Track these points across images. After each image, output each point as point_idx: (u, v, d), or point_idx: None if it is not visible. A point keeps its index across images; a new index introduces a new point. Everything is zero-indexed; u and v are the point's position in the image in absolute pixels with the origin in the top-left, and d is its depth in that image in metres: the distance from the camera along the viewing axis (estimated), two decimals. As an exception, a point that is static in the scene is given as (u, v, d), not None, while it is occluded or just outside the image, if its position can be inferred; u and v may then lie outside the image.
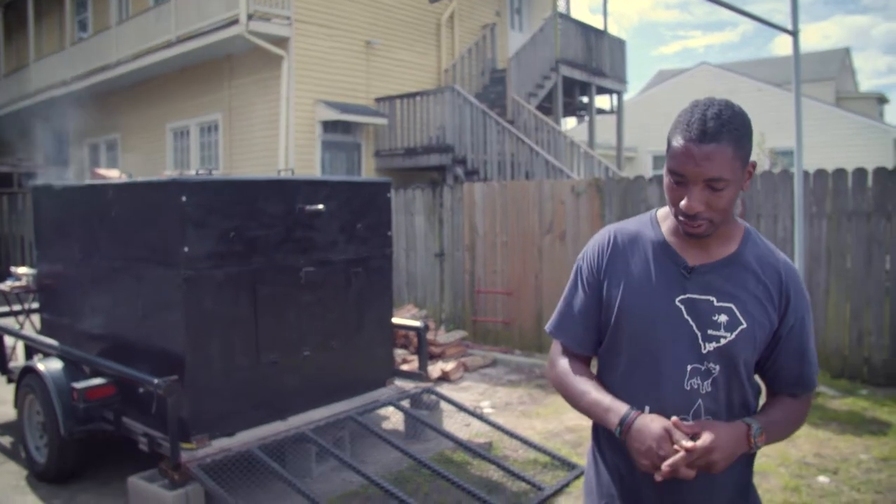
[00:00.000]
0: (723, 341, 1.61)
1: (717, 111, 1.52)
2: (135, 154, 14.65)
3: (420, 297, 9.52)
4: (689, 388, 1.63)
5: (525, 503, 4.22)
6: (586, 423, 1.98)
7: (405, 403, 5.27)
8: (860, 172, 6.45)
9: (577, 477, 4.52)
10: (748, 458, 1.74)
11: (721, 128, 1.49)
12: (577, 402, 1.76)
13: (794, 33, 6.07)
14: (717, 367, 1.63)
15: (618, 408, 1.64)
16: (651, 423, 1.57)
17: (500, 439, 5.23)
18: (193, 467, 3.84)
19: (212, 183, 4.27)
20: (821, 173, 6.59)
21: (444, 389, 6.49)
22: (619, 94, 16.91)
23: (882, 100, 25.84)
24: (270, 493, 4.36)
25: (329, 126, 11.83)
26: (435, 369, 7.15)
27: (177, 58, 12.44)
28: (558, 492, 4.35)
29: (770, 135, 15.18)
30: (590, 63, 15.59)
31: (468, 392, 6.77)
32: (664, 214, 1.74)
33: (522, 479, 4.42)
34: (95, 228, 4.77)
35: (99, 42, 14.65)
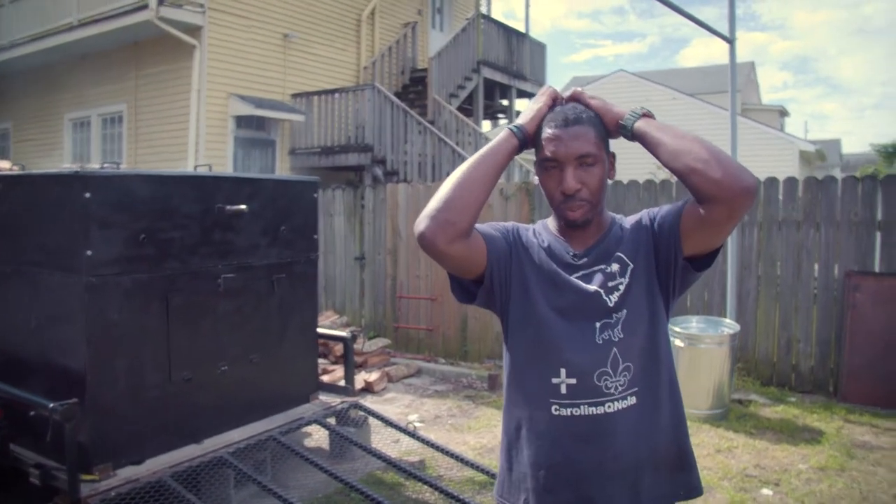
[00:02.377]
0: (622, 287, 1.69)
1: (573, 107, 1.71)
2: (29, 145, 13.59)
3: (339, 303, 9.12)
4: (601, 341, 1.66)
5: (465, 529, 3.93)
6: (501, 431, 1.79)
7: (331, 420, 4.90)
8: (791, 182, 6.47)
9: (517, 498, 4.26)
10: (676, 422, 1.73)
11: (580, 115, 1.69)
12: (468, 170, 1.67)
13: (731, 41, 6.03)
14: (625, 311, 1.67)
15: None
16: None
17: (432, 456, 4.93)
18: (95, 502, 3.37)
19: (120, 178, 3.79)
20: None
21: (369, 402, 6.14)
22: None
23: (783, 112, 26.91)
24: (183, 526, 3.91)
25: (243, 121, 11.25)
26: (357, 380, 6.76)
27: (78, 43, 11.50)
28: (499, 515, 4.07)
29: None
30: (511, 66, 15.49)
31: (394, 404, 6.43)
32: (549, 221, 1.84)
33: (461, 501, 4.12)
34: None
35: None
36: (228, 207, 4.22)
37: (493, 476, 4.49)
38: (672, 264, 1.70)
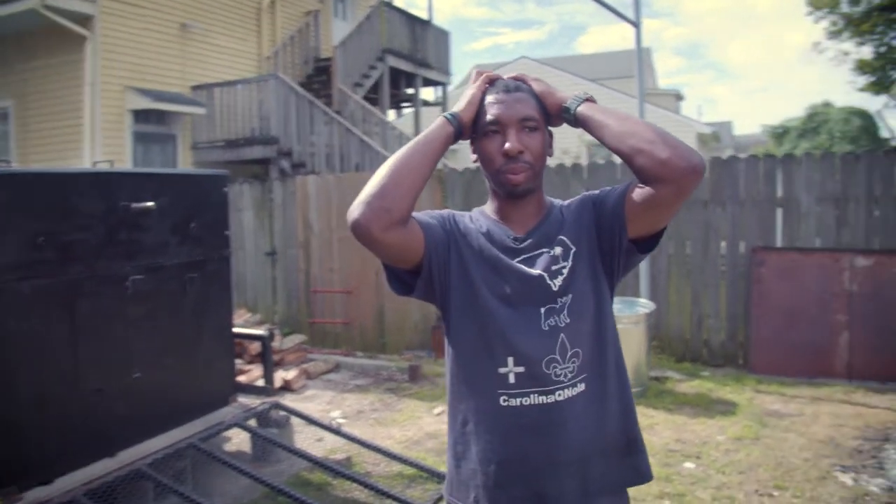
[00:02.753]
0: (565, 270, 1.65)
1: (512, 80, 1.72)
2: None
3: (251, 300, 8.87)
4: (547, 327, 1.62)
5: (398, 524, 3.86)
6: (446, 428, 1.75)
7: (252, 422, 4.73)
8: (696, 162, 6.66)
9: (449, 489, 4.22)
10: (625, 408, 1.69)
11: (520, 84, 1.70)
12: (403, 158, 1.61)
13: (637, 25, 6.13)
14: (570, 296, 1.64)
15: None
16: None
17: (358, 453, 4.83)
18: (1, 528, 3.13)
19: (12, 176, 3.51)
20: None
21: (288, 400, 5.98)
22: (444, 85, 16.89)
23: (679, 97, 27.83)
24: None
25: (141, 116, 10.76)
26: (275, 379, 6.59)
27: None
28: (432, 507, 4.03)
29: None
30: (416, 54, 15.40)
31: (314, 402, 6.29)
32: (486, 207, 1.80)
33: (391, 496, 4.05)
34: None
35: None
36: (134, 205, 3.99)
37: (421, 469, 4.45)
38: (616, 247, 1.66)
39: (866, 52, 20.53)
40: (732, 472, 4.40)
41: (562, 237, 1.69)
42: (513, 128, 1.64)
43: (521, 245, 1.68)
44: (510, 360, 1.61)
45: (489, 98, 1.68)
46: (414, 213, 1.66)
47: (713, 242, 6.68)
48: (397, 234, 1.57)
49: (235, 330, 5.03)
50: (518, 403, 1.61)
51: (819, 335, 6.27)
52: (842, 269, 6.26)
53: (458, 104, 1.71)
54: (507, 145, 1.63)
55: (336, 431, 4.80)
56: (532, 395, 1.60)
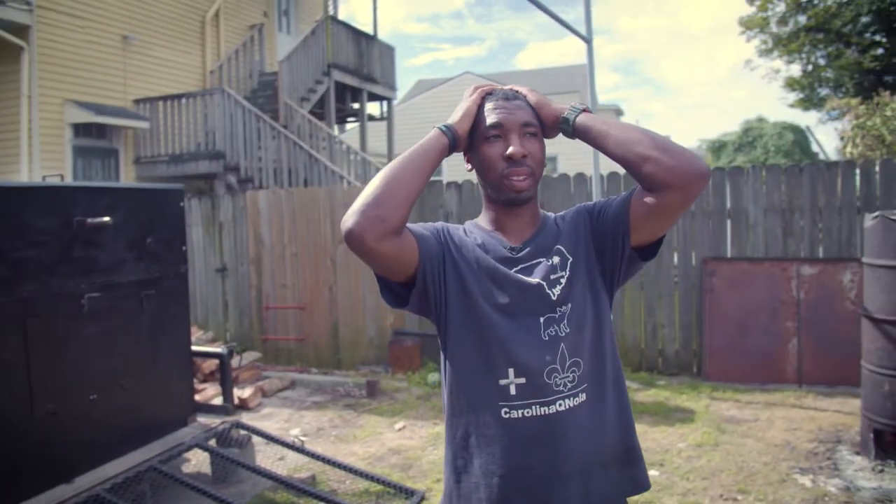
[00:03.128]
0: (563, 280, 1.65)
1: (509, 89, 1.72)
2: None
3: (202, 317, 8.66)
4: (547, 337, 1.61)
5: (369, 542, 3.79)
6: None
7: (212, 442, 4.60)
8: (648, 174, 6.79)
9: (418, 503, 4.17)
10: (624, 417, 1.69)
11: (517, 93, 1.71)
12: (398, 167, 1.59)
13: (588, 41, 6.21)
14: (569, 305, 1.64)
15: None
16: None
17: (322, 470, 4.74)
18: (-46, 561, 2.96)
19: (-39, 193, 3.36)
20: (613, 176, 6.83)
21: (245, 419, 5.86)
22: (390, 100, 16.86)
23: (619, 112, 28.42)
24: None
25: (81, 130, 10.46)
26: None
27: None
28: (402, 524, 3.98)
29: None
30: (361, 69, 15.34)
31: (272, 420, 6.16)
32: (480, 219, 1.79)
33: (360, 514, 3.99)
34: None
35: None
36: (90, 220, 3.85)
37: (387, 485, 4.39)
38: (619, 256, 1.66)
39: (795, 69, 21.35)
40: (696, 478, 4.46)
41: (559, 246, 1.69)
42: (515, 132, 1.64)
43: (518, 255, 1.68)
44: (511, 371, 1.60)
45: (489, 105, 1.69)
46: (411, 225, 1.65)
47: (665, 253, 6.80)
48: (391, 243, 1.55)
49: (193, 348, 4.89)
50: (520, 415, 1.59)
51: (770, 342, 6.43)
52: (789, 277, 6.44)
53: (453, 116, 1.70)
54: (511, 149, 1.63)
55: (299, 449, 4.70)
56: (534, 407, 1.59)
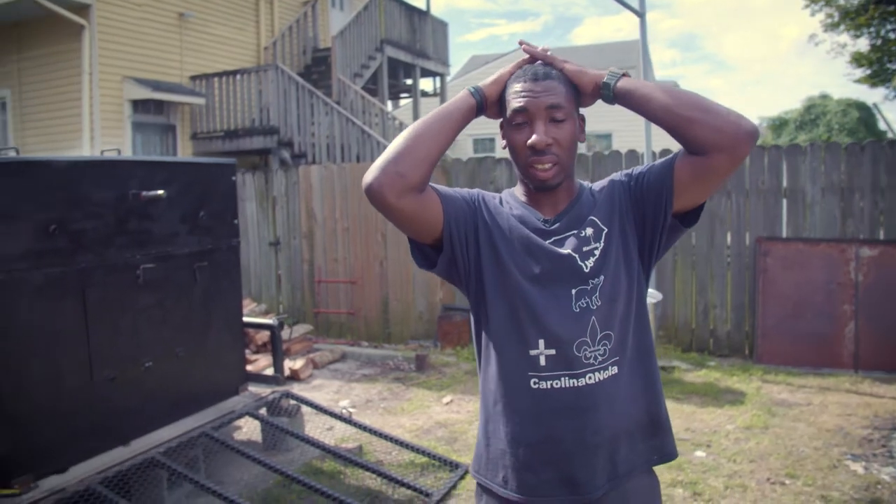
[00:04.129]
0: (597, 251, 1.63)
1: (542, 65, 1.66)
2: None
3: (255, 291, 8.84)
4: (577, 309, 1.60)
5: (412, 513, 3.85)
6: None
7: (263, 411, 4.71)
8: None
9: (462, 477, 4.22)
10: (653, 389, 1.68)
11: (549, 71, 1.63)
12: (421, 125, 1.62)
13: (641, 15, 6.11)
14: (602, 278, 1.61)
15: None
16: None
17: (369, 441, 4.82)
18: (18, 517, 3.11)
19: (22, 165, 3.48)
20: (666, 153, 6.71)
21: (296, 390, 5.96)
22: (443, 76, 16.83)
23: (676, 87, 27.83)
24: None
25: (140, 106, 10.70)
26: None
27: (-51, 24, 10.67)
28: (446, 495, 4.02)
29: (587, 118, 15.72)
30: (414, 44, 15.33)
31: (322, 391, 6.28)
32: (516, 189, 1.77)
33: (404, 484, 4.04)
34: None
35: None
36: (145, 193, 3.96)
37: (433, 457, 4.45)
38: (660, 223, 1.64)
39: (863, 44, 20.51)
40: (743, 460, 4.41)
41: (592, 217, 1.67)
42: (540, 119, 1.60)
43: (552, 227, 1.67)
44: (541, 342, 1.60)
45: (516, 86, 1.64)
46: (437, 186, 1.66)
47: (719, 233, 6.68)
48: (412, 201, 1.57)
49: (245, 319, 5.00)
50: (549, 386, 1.60)
51: (825, 325, 6.28)
52: (847, 259, 6.27)
53: (486, 80, 1.70)
54: (533, 138, 1.60)
55: (347, 420, 4.78)
56: (563, 378, 1.59)
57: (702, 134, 1.50)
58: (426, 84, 17.43)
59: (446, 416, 5.34)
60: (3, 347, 3.29)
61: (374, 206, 1.57)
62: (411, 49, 15.16)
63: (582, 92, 1.67)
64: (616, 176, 1.74)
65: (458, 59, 77.90)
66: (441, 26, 16.68)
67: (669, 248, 1.75)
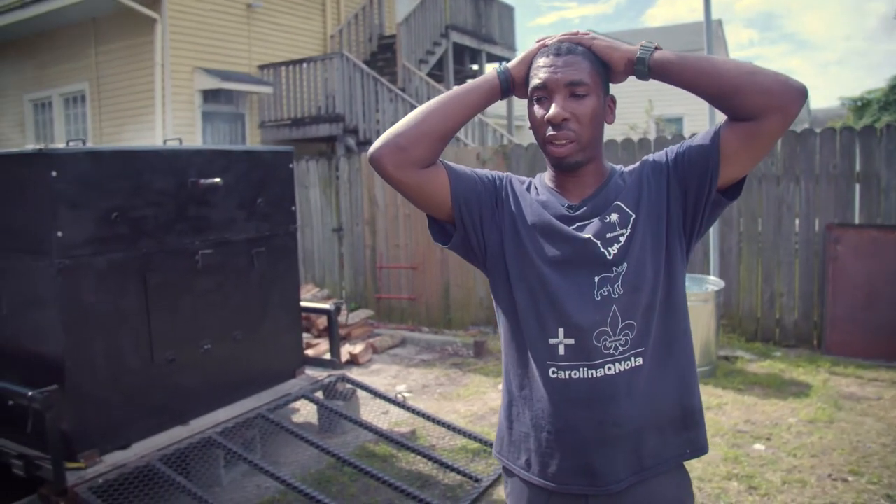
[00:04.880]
0: (623, 238, 1.57)
1: (569, 42, 1.60)
2: (-12, 129, 13.21)
3: (318, 276, 9.00)
4: (599, 297, 1.55)
5: (462, 496, 3.88)
6: (502, 388, 1.71)
7: (318, 395, 4.81)
8: (769, 135, 6.45)
9: (512, 464, 4.22)
10: (685, 380, 1.62)
11: (575, 47, 1.58)
12: (436, 101, 1.62)
13: (706, -8, 5.92)
14: (626, 265, 1.56)
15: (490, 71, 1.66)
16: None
17: (423, 426, 4.88)
18: (83, 490, 3.26)
19: (87, 154, 3.62)
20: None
21: (354, 374, 6.07)
22: (509, 61, 16.65)
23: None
24: (175, 510, 3.83)
25: (210, 95, 10.97)
26: (342, 352, 6.68)
27: (33, 20, 11.09)
28: (496, 481, 4.04)
29: (657, 102, 15.40)
30: (480, 30, 15.26)
31: (380, 376, 6.36)
32: (545, 174, 1.73)
33: (455, 470, 4.07)
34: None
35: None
36: (203, 181, 4.07)
37: (486, 443, 4.46)
38: (704, 197, 1.58)
39: (956, 19, 19.39)
40: (804, 455, 4.27)
41: (618, 202, 1.61)
42: (560, 93, 1.55)
43: (576, 213, 1.62)
44: (561, 331, 1.57)
45: (538, 62, 1.60)
46: (451, 165, 1.66)
47: (786, 219, 6.46)
48: (412, 174, 1.58)
49: (302, 304, 5.11)
50: (567, 377, 1.56)
51: (899, 315, 6.01)
52: (925, 246, 5.98)
53: (514, 59, 1.68)
54: (550, 112, 1.55)
55: (401, 405, 4.84)
56: (581, 369, 1.55)
57: (750, 98, 1.45)
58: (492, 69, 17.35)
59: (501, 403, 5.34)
60: (70, 329, 3.46)
61: (378, 174, 1.60)
62: (477, 34, 15.09)
63: (613, 69, 1.61)
64: (651, 156, 1.69)
65: (527, 44, 77.22)
66: (507, 10, 16.55)
67: (710, 227, 1.69)
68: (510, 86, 1.65)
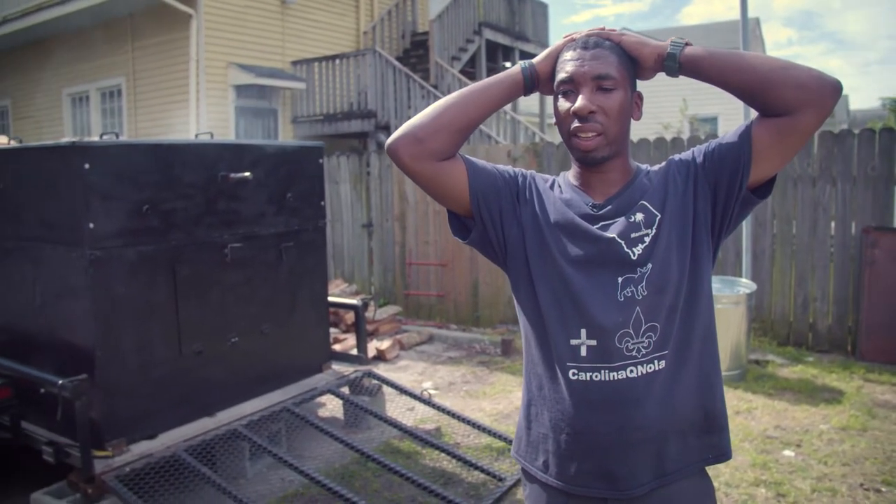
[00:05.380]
0: (647, 238, 1.55)
1: (597, 36, 1.59)
2: (28, 122, 13.42)
3: (348, 271, 9.04)
4: (622, 298, 1.53)
5: (485, 495, 3.86)
6: (522, 388, 1.68)
7: (344, 389, 4.83)
8: (806, 135, 6.34)
9: (536, 464, 4.20)
10: (708, 384, 1.59)
11: (603, 41, 1.57)
12: (457, 94, 1.61)
13: (742, -10, 5.83)
14: (650, 266, 1.54)
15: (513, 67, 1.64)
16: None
17: (448, 424, 4.87)
18: (110, 478, 3.31)
19: (119, 147, 3.68)
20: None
21: (381, 370, 6.08)
22: (541, 59, 16.60)
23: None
24: (201, 502, 3.86)
25: (243, 91, 11.06)
26: (369, 348, 6.70)
27: (72, 15, 11.28)
28: (519, 481, 4.01)
29: (691, 101, 15.22)
30: (513, 27, 15.20)
31: (407, 372, 6.37)
32: (569, 172, 1.71)
33: (479, 468, 4.05)
34: (-20, 203, 4.09)
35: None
36: (232, 175, 4.10)
37: (510, 443, 4.43)
38: (734, 195, 1.55)
39: None
40: (835, 463, 4.19)
41: (643, 202, 1.59)
42: (586, 86, 1.53)
43: (600, 212, 1.60)
44: (583, 332, 1.54)
45: (565, 55, 1.58)
46: (471, 160, 1.65)
47: (822, 221, 6.34)
48: (429, 167, 1.58)
49: (330, 299, 5.12)
50: (587, 378, 1.54)
51: (938, 321, 5.87)
52: (966, 251, 5.83)
53: (540, 55, 1.65)
54: (577, 103, 1.53)
55: (427, 402, 4.83)
56: (602, 372, 1.53)
57: (784, 93, 1.42)
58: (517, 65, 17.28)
59: (527, 402, 5.31)
60: (101, 320, 3.50)
61: (395, 164, 1.60)
62: (510, 31, 15.04)
63: (642, 65, 1.59)
64: (677, 156, 1.66)
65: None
66: (541, 8, 16.46)
67: (736, 226, 1.65)
68: (534, 82, 1.63)
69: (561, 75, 1.57)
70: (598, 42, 1.57)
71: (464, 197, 1.62)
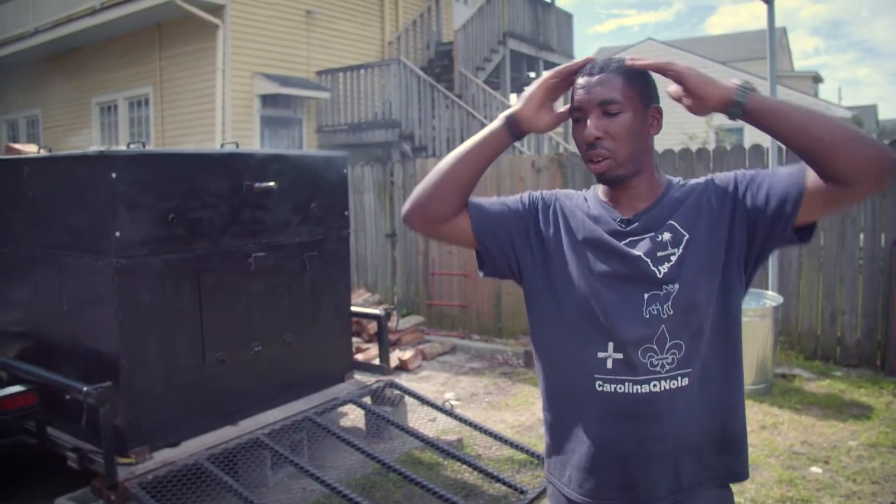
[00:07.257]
0: (673, 258, 1.56)
1: (608, 58, 1.62)
2: (58, 131, 13.62)
3: (371, 281, 9.05)
4: (648, 315, 1.55)
5: (506, 509, 3.84)
6: (542, 404, 1.72)
7: (366, 400, 4.82)
8: (834, 146, 6.25)
9: (559, 477, 4.16)
10: (730, 405, 1.61)
11: (609, 63, 1.59)
12: (451, 159, 1.67)
13: (769, 1, 5.79)
14: (676, 286, 1.55)
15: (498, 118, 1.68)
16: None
17: (470, 435, 4.84)
18: (132, 486, 3.33)
19: (146, 157, 3.71)
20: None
21: (403, 380, 6.07)
22: (567, 69, 16.58)
23: (817, 79, 26.21)
24: (222, 509, 3.87)
25: (268, 100, 11.15)
26: (392, 358, 6.69)
27: (102, 26, 11.50)
28: (541, 494, 3.98)
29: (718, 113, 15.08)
30: (537, 37, 15.20)
31: (429, 382, 6.35)
32: (599, 187, 1.72)
33: (501, 480, 4.03)
34: (9, 211, 4.14)
35: (13, 8, 13.54)
36: (257, 185, 4.12)
37: (532, 455, 4.41)
38: (778, 236, 1.53)
39: None
40: (865, 480, 4.11)
41: (672, 222, 1.59)
42: (593, 113, 1.57)
43: (627, 228, 1.61)
44: (610, 345, 1.57)
45: (578, 82, 1.62)
46: (477, 203, 1.72)
47: (850, 234, 6.24)
48: (439, 228, 1.71)
49: (353, 308, 5.13)
50: (612, 390, 1.56)
51: (970, 336, 5.75)
52: None
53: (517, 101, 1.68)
54: (584, 132, 1.58)
55: (449, 413, 4.82)
56: (627, 384, 1.55)
57: (845, 165, 1.39)
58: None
59: (549, 414, 5.28)
60: (126, 327, 3.53)
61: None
62: (534, 42, 15.04)
63: (704, 104, 1.51)
64: (717, 177, 1.63)
65: (585, 51, 76.74)
66: (566, 18, 16.45)
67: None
68: (517, 128, 1.66)
69: (572, 104, 1.62)
70: (603, 66, 1.60)
71: (473, 242, 1.71)
